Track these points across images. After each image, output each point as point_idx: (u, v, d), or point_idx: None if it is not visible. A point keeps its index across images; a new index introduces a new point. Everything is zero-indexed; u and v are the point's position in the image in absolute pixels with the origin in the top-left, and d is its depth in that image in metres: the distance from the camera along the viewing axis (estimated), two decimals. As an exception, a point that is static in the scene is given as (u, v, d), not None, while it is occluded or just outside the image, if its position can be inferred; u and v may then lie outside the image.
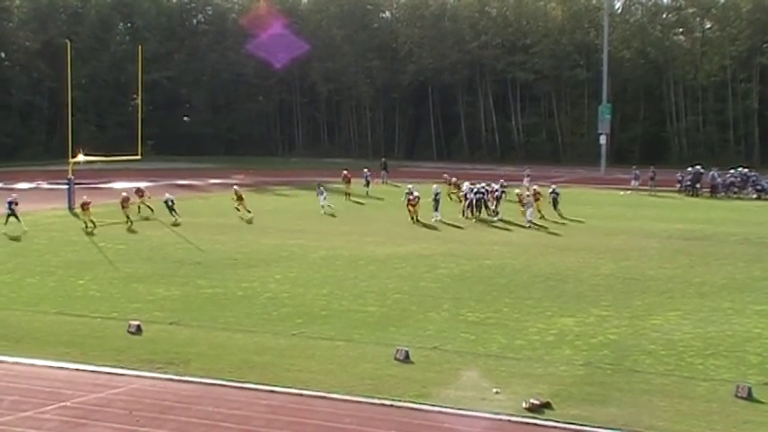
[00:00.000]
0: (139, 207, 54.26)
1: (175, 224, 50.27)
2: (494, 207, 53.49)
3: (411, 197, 51.42)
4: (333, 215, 54.78)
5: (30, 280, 33.71)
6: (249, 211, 53.44)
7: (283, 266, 36.40)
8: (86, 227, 48.15)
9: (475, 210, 52.79)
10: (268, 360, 22.94)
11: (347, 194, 64.33)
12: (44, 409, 19.31)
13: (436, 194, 52.20)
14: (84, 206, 49.30)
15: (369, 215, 55.57)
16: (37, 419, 18.71)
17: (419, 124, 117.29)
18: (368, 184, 68.50)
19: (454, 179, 64.90)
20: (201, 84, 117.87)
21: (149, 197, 55.61)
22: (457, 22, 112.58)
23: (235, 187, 57.31)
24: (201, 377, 21.49)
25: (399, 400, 19.77)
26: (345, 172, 66.37)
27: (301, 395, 20.28)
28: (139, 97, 71.48)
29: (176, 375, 21.66)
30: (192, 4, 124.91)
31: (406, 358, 22.67)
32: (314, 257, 38.79)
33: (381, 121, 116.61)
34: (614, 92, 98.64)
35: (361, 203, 62.18)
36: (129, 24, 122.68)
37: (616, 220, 52.31)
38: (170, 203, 52.65)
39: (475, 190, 53.47)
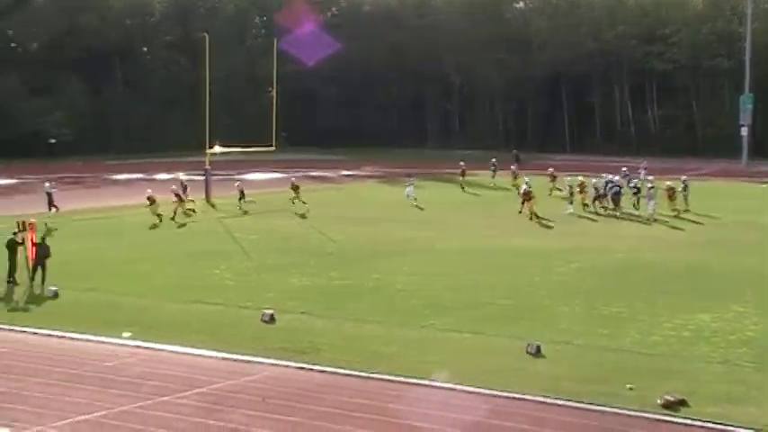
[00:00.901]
0: (175, 211, 49.59)
1: (245, 213, 51.15)
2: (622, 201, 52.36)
3: (524, 191, 50.34)
4: (419, 207, 54.52)
5: (168, 269, 34.62)
6: (305, 203, 53.47)
7: (413, 258, 36.45)
8: (160, 220, 47.69)
9: (611, 203, 51.66)
10: (397, 351, 22.99)
11: (462, 186, 64.21)
12: (182, 395, 19.78)
13: (570, 187, 51.44)
14: (151, 199, 48.87)
15: (497, 207, 55.14)
16: (175, 404, 19.19)
17: (551, 116, 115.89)
18: (495, 173, 68.19)
19: (550, 169, 64.47)
20: (335, 75, 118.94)
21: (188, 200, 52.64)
22: (592, 11, 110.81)
23: (292, 179, 57.23)
24: (332, 367, 21.69)
25: (531, 395, 19.57)
26: (462, 164, 66.21)
27: (432, 387, 20.26)
28: (274, 89, 72.49)
29: (308, 364, 21.90)
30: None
31: (538, 352, 22.41)
32: (444, 249, 38.73)
33: (513, 112, 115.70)
34: (757, 82, 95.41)
35: (477, 195, 61.62)
36: (264, 18, 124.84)
37: (756, 214, 50.65)
38: (241, 193, 53.32)
39: (610, 183, 52.42)
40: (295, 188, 54.69)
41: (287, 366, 21.87)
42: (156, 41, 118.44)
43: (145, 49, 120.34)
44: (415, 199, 55.82)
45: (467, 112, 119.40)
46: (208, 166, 60.22)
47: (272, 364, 22.03)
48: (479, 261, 35.87)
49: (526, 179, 54.43)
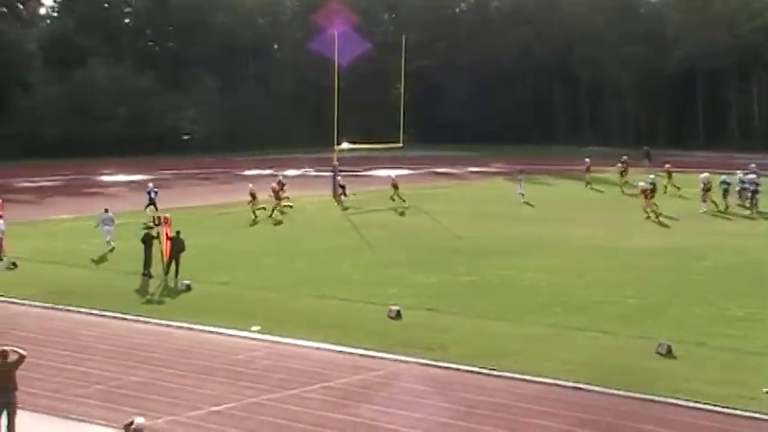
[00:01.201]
0: (273, 208, 49.79)
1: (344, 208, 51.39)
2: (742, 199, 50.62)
3: (645, 189, 48.52)
4: (529, 204, 53.82)
5: (296, 263, 35.10)
6: (404, 200, 53.30)
7: (540, 255, 36.12)
8: (256, 217, 48.06)
9: (749, 201, 49.97)
10: (523, 348, 22.83)
11: (587, 183, 63.25)
12: (309, 388, 20.05)
13: (705, 184, 50.03)
14: (253, 195, 49.30)
15: (624, 205, 53.92)
16: (302, 398, 19.45)
17: (684, 112, 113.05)
18: (625, 171, 66.78)
19: (667, 165, 62.47)
20: (462, 72, 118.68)
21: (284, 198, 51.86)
22: (729, 5, 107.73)
23: (392, 176, 56.86)
24: (458, 363, 21.66)
25: (660, 395, 19.19)
26: (587, 160, 65.15)
27: (557, 385, 20.06)
28: (402, 86, 72.80)
29: (433, 360, 21.92)
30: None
31: (668, 352, 21.94)
32: (571, 247, 38.27)
33: (644, 108, 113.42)
34: None
35: (605, 192, 60.38)
36: (393, 15, 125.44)
37: None
38: (341, 187, 53.76)
39: (746, 181, 50.82)
40: (395, 186, 54.61)
41: (412, 362, 21.94)
42: (287, 39, 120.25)
43: (275, 46, 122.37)
44: (523, 195, 55.39)
45: (596, 108, 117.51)
46: (336, 163, 60.84)
47: (398, 360, 22.13)
48: (606, 259, 35.31)
49: (651, 176, 53.13)
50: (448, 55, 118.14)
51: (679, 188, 55.67)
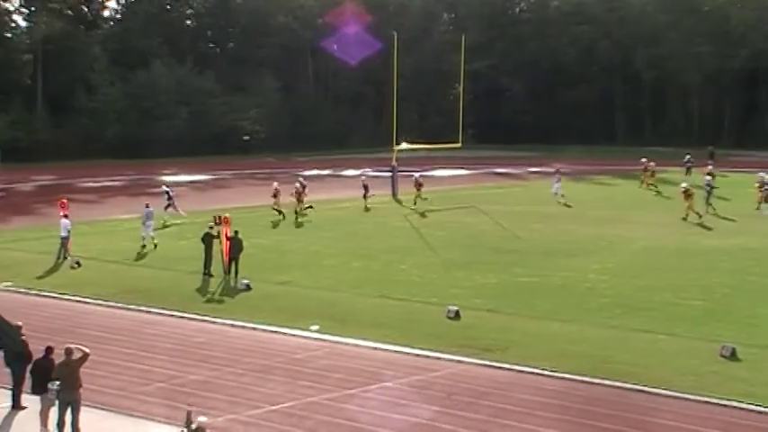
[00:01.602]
0: (296, 210, 49.26)
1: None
2: None
3: (687, 190, 47.21)
4: (566, 204, 53.17)
5: (355, 263, 35.13)
6: (425, 199, 52.90)
7: (602, 256, 35.74)
8: (281, 214, 48.00)
9: None
10: (585, 350, 22.60)
11: (643, 182, 62.45)
12: (367, 388, 20.04)
13: (763, 184, 49.10)
14: (276, 193, 49.12)
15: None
16: (361, 397, 19.45)
17: (750, 111, 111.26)
18: (689, 171, 65.89)
19: (652, 163, 62.08)
20: (521, 72, 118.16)
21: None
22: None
23: (416, 176, 56.02)
24: (518, 364, 21.51)
25: (725, 399, 18.87)
26: (644, 160, 64.29)
27: (620, 388, 19.84)
28: (461, 86, 72.63)
29: (493, 362, 21.79)
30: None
31: (733, 355, 21.59)
32: (634, 248, 37.83)
33: (708, 107, 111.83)
34: None
35: (662, 193, 59.42)
36: (452, 15, 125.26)
37: None
38: (364, 188, 53.07)
39: None
40: (418, 186, 54.20)
41: (472, 363, 21.83)
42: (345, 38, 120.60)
43: (335, 47, 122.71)
44: (563, 195, 54.80)
45: (658, 107, 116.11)
46: (394, 163, 60.82)
47: (457, 361, 22.04)
48: (668, 260, 34.85)
49: (708, 177, 52.12)
50: (507, 55, 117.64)
51: (717, 188, 54.29)
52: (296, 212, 48.59)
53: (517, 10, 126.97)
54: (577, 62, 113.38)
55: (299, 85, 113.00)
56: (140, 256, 37.00)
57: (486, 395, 19.48)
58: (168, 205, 46.86)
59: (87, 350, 17.46)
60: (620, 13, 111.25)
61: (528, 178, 74.39)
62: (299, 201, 49.50)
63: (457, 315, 26.00)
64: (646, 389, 19.65)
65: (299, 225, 46.20)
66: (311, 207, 49.86)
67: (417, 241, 40.76)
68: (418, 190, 54.13)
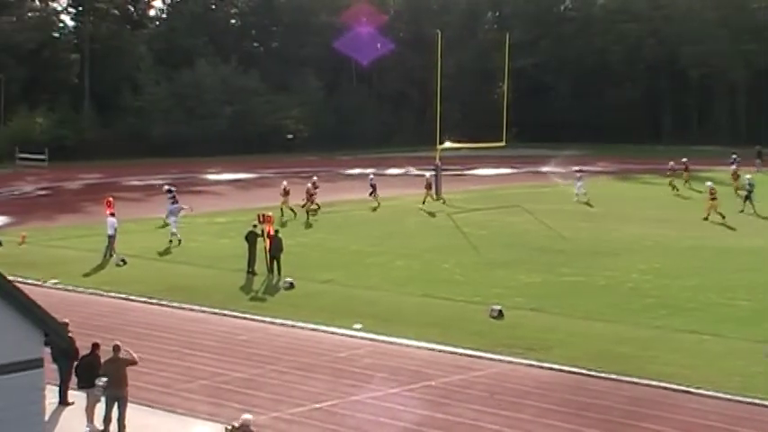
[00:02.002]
0: (308, 210, 49.03)
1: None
2: None
3: (712, 189, 46.17)
4: (587, 204, 52.62)
5: (399, 262, 35.12)
6: (436, 199, 52.80)
7: (647, 256, 35.43)
8: (283, 214, 47.50)
9: None
10: (629, 351, 22.44)
11: (685, 181, 61.54)
12: (410, 387, 20.04)
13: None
14: (286, 192, 49.02)
15: (730, 205, 52.35)
16: (404, 396, 19.46)
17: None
18: (736, 172, 64.89)
19: (671, 162, 61.11)
20: (566, 70, 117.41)
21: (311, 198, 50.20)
22: None
23: (426, 176, 55.88)
24: (561, 364, 21.40)
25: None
26: (684, 160, 63.43)
27: (665, 388, 19.68)
28: (505, 84, 72.27)
29: (536, 361, 21.70)
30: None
31: (779, 356, 21.36)
32: (679, 247, 37.48)
33: (756, 106, 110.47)
34: None
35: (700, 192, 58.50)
36: (497, 13, 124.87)
37: None
38: (372, 187, 52.74)
39: None
40: (428, 186, 53.88)
41: (515, 363, 21.75)
42: (390, 38, 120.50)
43: (378, 45, 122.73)
44: (585, 194, 54.21)
45: (705, 106, 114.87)
46: (438, 162, 60.62)
47: (500, 360, 21.97)
48: (713, 260, 34.49)
49: (748, 176, 51.30)
50: (552, 53, 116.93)
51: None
52: (307, 212, 48.67)
53: (562, 8, 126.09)
54: (623, 60, 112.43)
55: (341, 83, 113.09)
56: (183, 253, 37.23)
57: (529, 395, 19.39)
58: (172, 204, 47.25)
59: (137, 358, 17.68)
60: (667, 11, 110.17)
61: (572, 177, 73.79)
62: (310, 201, 49.66)
63: (500, 314, 25.91)
64: (691, 390, 19.48)
65: (308, 227, 45.57)
66: (318, 207, 49.94)
67: (460, 240, 40.66)
68: (429, 189, 54.00)
